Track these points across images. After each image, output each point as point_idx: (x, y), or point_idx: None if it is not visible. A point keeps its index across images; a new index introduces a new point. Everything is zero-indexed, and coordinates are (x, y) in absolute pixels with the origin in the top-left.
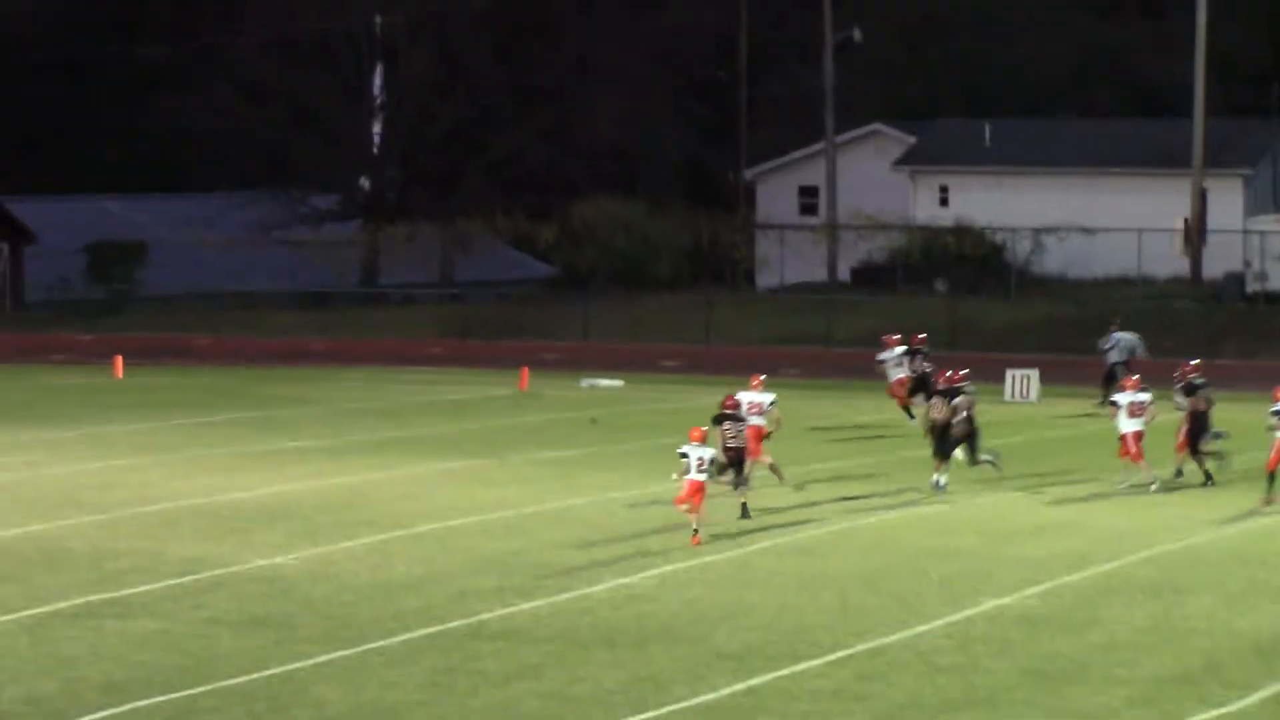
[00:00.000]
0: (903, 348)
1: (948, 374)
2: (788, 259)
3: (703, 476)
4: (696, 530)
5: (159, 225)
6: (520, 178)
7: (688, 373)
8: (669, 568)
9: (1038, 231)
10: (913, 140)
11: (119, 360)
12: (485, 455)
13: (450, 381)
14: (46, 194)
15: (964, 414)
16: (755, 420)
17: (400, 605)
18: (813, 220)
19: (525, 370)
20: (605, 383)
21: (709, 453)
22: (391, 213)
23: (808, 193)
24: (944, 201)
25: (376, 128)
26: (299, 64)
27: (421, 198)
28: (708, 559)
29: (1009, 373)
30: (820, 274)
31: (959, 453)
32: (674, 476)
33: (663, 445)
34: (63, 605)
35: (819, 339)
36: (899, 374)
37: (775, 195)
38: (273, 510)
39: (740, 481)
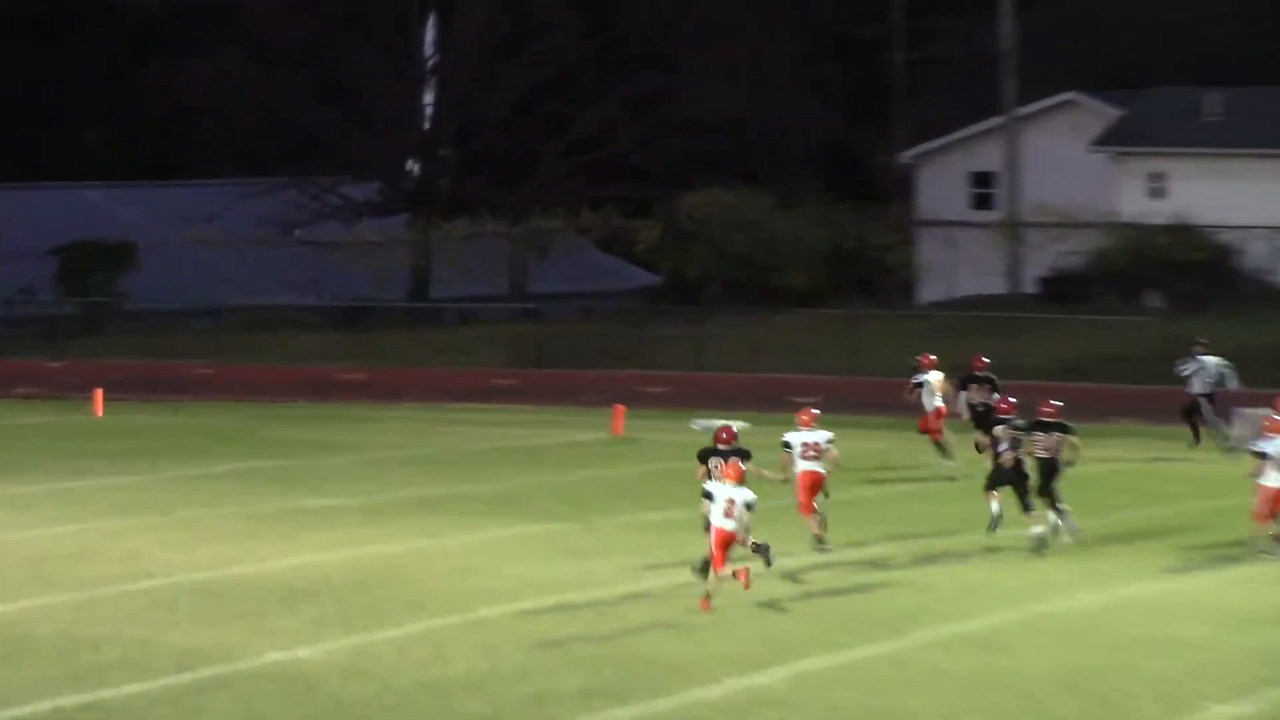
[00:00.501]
0: (938, 373)
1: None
2: (957, 265)
3: (731, 525)
4: (709, 595)
5: (150, 221)
6: (611, 161)
7: (828, 411)
8: (805, 665)
9: (1277, 230)
10: (1118, 114)
11: (98, 394)
12: (567, 518)
13: (522, 422)
14: (8, 182)
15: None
16: (810, 465)
17: (458, 710)
18: (989, 216)
19: (619, 408)
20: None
21: (745, 496)
22: (447, 206)
23: (982, 181)
24: (1157, 192)
25: (427, 97)
26: (327, 19)
27: (485, 186)
28: (856, 654)
29: (1238, 412)
30: (999, 285)
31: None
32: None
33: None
34: (25, 710)
35: (998, 368)
36: (935, 403)
37: (940, 184)
38: (293, 588)
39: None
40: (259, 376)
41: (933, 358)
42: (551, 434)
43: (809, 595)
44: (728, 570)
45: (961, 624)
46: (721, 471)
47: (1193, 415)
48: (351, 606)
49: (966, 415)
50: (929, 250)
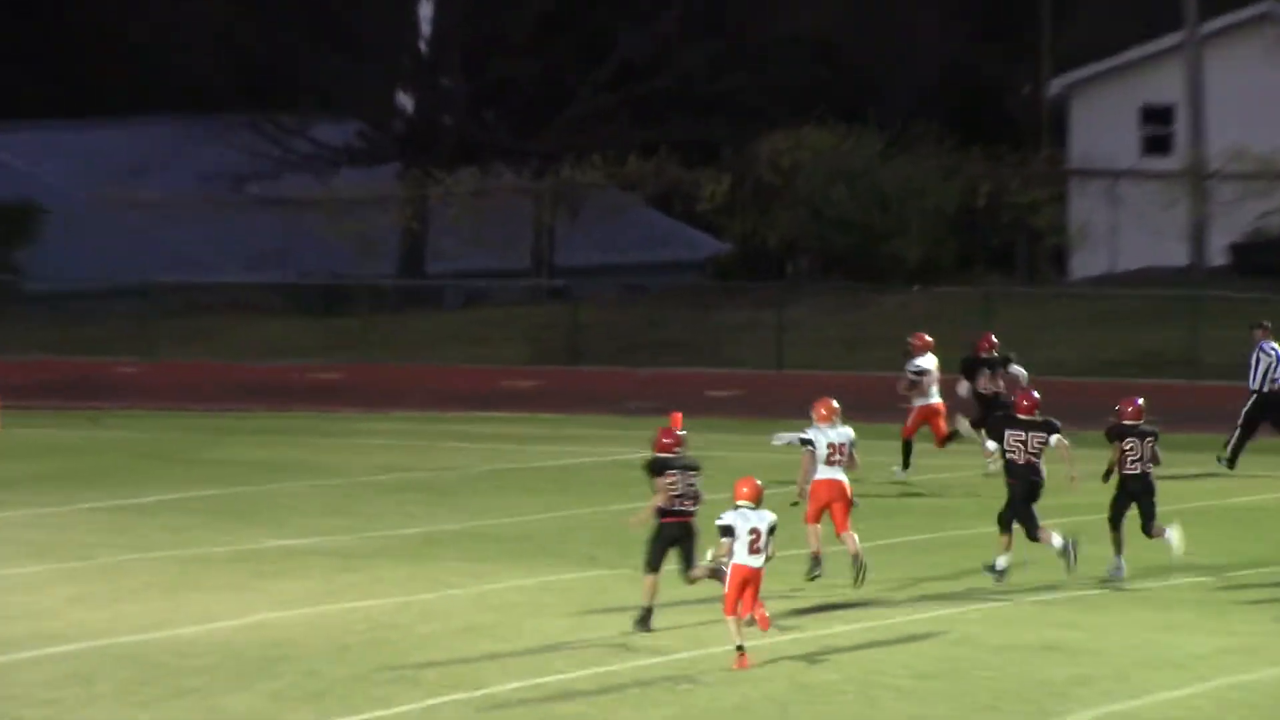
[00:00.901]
0: (933, 358)
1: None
2: (1124, 228)
3: (760, 561)
4: (742, 649)
5: (59, 175)
6: (668, 94)
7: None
8: None
9: None
10: None
11: None
12: (607, 562)
13: (548, 437)
14: None
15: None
16: (833, 473)
17: None
18: (1165, 163)
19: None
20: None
21: (768, 519)
22: (450, 152)
23: (1156, 117)
24: None
25: (425, 10)
26: None
27: (500, 127)
28: None
29: None
30: (1177, 254)
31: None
32: (708, 556)
33: (920, 544)
34: None
35: (1177, 364)
36: (930, 399)
37: (1101, 122)
38: (247, 656)
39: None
40: (203, 377)
41: (928, 338)
42: (587, 452)
43: (919, 662)
44: (737, 629)
45: (1131, 700)
46: (735, 491)
47: (1252, 425)
48: (324, 680)
49: (969, 413)
50: (1086, 208)
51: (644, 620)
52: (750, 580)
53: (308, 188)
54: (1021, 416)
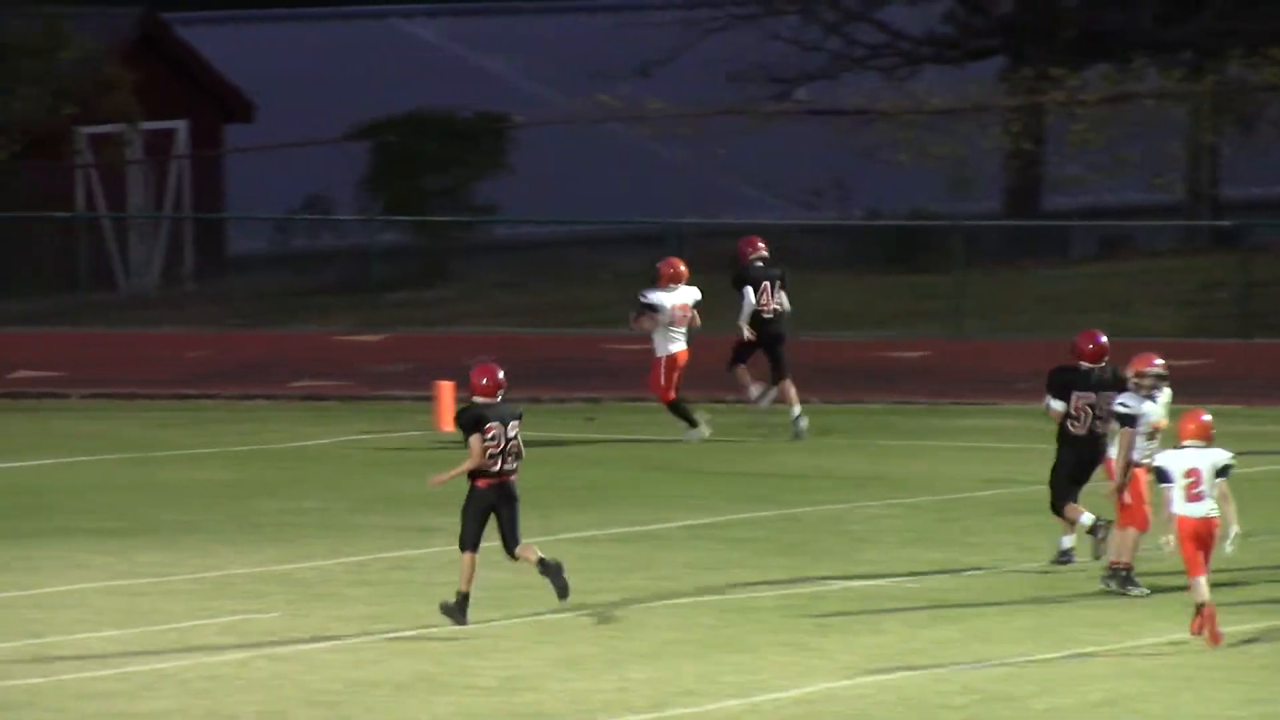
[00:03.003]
0: (692, 290)
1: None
2: None
3: (1200, 509)
4: (1203, 606)
5: (528, 77)
6: None
7: None
8: None
9: None
10: None
11: (444, 391)
12: None
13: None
14: (266, 8)
15: None
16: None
17: None
18: None
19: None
20: None
21: (1212, 459)
22: (1074, 44)
23: None
24: None
25: None
26: None
27: (1141, 7)
28: None
29: None
30: None
31: None
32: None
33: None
34: None
35: None
36: (674, 345)
37: None
38: None
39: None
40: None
41: (681, 267)
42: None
43: None
44: (1203, 587)
45: None
46: (1183, 427)
47: None
48: None
49: (748, 333)
50: None
51: (459, 609)
52: (1200, 535)
53: (876, 94)
54: (1087, 366)
